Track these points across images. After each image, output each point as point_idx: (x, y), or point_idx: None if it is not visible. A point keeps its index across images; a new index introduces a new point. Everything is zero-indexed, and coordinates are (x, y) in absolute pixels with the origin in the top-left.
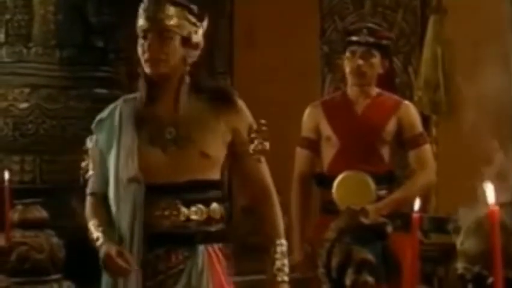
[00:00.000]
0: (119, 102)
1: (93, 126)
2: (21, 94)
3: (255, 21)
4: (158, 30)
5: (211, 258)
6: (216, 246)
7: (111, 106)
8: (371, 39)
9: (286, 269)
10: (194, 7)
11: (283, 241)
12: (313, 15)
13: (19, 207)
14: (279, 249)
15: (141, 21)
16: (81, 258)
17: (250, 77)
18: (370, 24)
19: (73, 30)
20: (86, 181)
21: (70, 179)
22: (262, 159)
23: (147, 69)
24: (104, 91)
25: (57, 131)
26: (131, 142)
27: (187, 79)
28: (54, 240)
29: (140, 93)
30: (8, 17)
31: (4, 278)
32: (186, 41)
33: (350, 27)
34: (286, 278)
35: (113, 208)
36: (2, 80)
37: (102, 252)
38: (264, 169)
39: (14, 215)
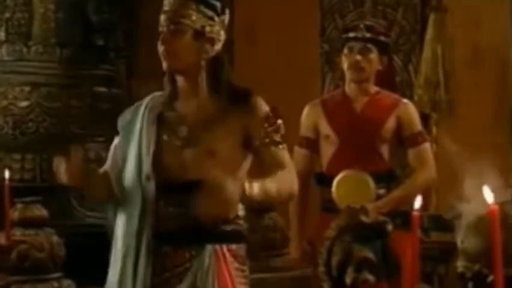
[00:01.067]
0: (147, 98)
1: (119, 119)
2: (22, 92)
3: (255, 20)
4: (171, 24)
5: (219, 258)
6: (225, 246)
7: (137, 103)
8: (368, 35)
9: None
10: (213, 1)
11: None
12: (314, 14)
13: (19, 205)
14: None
15: (161, 16)
16: (81, 256)
17: (250, 75)
18: (368, 22)
19: (73, 29)
20: None
21: None
22: (281, 146)
23: (163, 64)
24: (104, 89)
25: (57, 129)
26: (147, 138)
27: (204, 75)
28: (55, 238)
29: (164, 90)
30: (8, 15)
31: (4, 276)
32: (199, 35)
33: (347, 24)
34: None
35: (122, 202)
36: (2, 79)
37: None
38: (282, 155)
39: (14, 214)
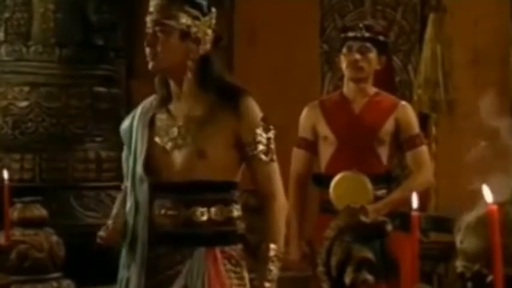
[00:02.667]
0: (143, 102)
1: (121, 131)
2: (21, 92)
3: (255, 20)
4: (156, 26)
5: (210, 260)
6: (217, 248)
7: (135, 108)
8: (368, 34)
9: (271, 275)
10: (198, 0)
11: (274, 246)
12: (314, 14)
13: (19, 205)
14: (268, 253)
15: (147, 17)
16: (81, 256)
17: (250, 75)
18: (367, 21)
19: (73, 29)
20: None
21: (69, 177)
22: (271, 160)
23: (149, 65)
24: (103, 89)
25: (56, 129)
26: (141, 140)
27: (190, 75)
28: (54, 238)
29: (157, 91)
30: (7, 15)
31: (4, 276)
32: (186, 35)
33: (347, 24)
34: (267, 285)
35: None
36: (1, 79)
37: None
38: (271, 172)
39: (14, 214)
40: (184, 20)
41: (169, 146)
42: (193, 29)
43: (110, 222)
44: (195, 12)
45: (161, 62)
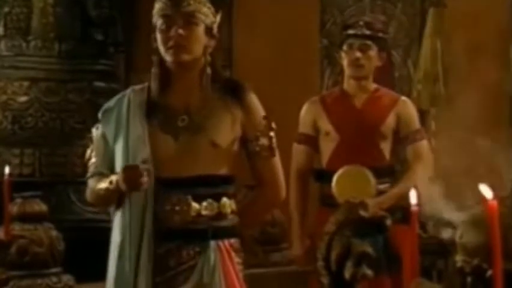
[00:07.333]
0: (127, 91)
1: (99, 114)
2: (21, 87)
3: (254, 13)
4: (185, 16)
5: (223, 254)
6: (226, 241)
7: (118, 95)
8: (368, 32)
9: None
10: None
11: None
12: (313, 8)
13: (18, 200)
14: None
15: (163, 6)
16: (80, 251)
17: (250, 69)
18: (367, 18)
19: (72, 23)
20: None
21: (69, 172)
22: (273, 155)
23: (169, 57)
24: (103, 84)
25: (56, 124)
26: (141, 131)
27: (209, 70)
28: (54, 233)
29: (152, 83)
30: (6, 10)
31: (4, 271)
32: (209, 31)
33: (347, 21)
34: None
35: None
36: (1, 74)
37: (120, 172)
38: (273, 167)
39: (13, 208)
40: (209, 15)
41: (176, 135)
42: (214, 25)
43: (113, 178)
44: (212, 9)
45: (187, 54)
